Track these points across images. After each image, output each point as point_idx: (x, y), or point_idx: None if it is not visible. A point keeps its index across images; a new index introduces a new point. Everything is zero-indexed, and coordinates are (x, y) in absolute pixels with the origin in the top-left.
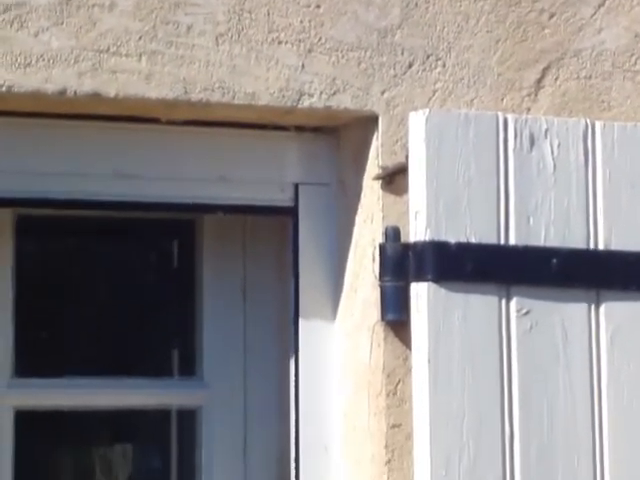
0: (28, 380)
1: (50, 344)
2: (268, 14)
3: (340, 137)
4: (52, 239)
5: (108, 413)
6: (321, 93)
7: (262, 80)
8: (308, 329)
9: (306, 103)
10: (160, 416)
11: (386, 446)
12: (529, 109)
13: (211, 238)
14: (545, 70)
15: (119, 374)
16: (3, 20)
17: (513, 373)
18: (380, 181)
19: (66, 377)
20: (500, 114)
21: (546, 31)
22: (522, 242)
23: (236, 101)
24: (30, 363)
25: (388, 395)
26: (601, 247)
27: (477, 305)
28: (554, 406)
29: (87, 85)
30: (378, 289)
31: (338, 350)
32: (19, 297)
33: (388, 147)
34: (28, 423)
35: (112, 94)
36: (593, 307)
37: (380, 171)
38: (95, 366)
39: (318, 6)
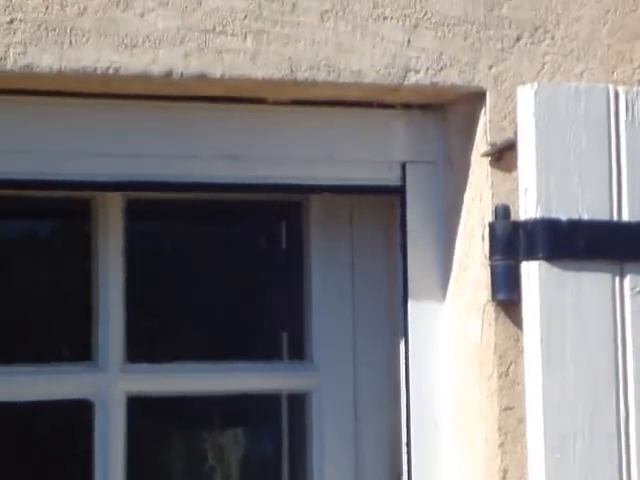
0: (140, 365)
1: (161, 329)
2: None
3: (447, 113)
4: (162, 223)
5: (219, 398)
6: (427, 69)
7: (367, 57)
8: (417, 310)
9: (412, 79)
10: (270, 400)
11: (499, 429)
12: None
13: (318, 219)
14: None
15: (229, 359)
16: (110, 1)
17: (628, 353)
18: (489, 158)
19: (177, 362)
20: (611, 87)
21: None
22: (635, 218)
23: (342, 79)
24: (142, 349)
25: (500, 377)
26: None
27: (590, 283)
28: None
29: (193, 66)
30: (488, 268)
31: (448, 331)
32: (130, 281)
33: (496, 123)
34: (140, 408)
35: (218, 75)
36: None
37: (489, 147)
38: (205, 351)
39: None
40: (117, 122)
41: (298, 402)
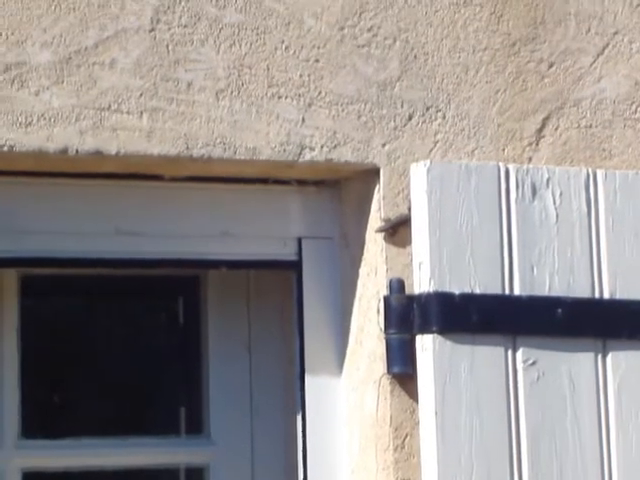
0: (35, 441)
1: (56, 405)
2: (267, 69)
3: (342, 190)
4: (56, 299)
5: (116, 473)
6: (322, 147)
7: (263, 135)
8: (314, 384)
9: (307, 157)
10: (168, 475)
11: None
12: (530, 159)
13: (215, 294)
14: (545, 120)
15: (126, 434)
16: (4, 79)
17: (521, 424)
18: (383, 233)
19: (73, 438)
20: (501, 164)
21: (545, 80)
22: (527, 292)
23: (237, 156)
24: (37, 424)
25: (396, 449)
26: (606, 296)
27: (483, 356)
28: (563, 457)
29: (88, 143)
30: (384, 342)
31: (345, 405)
32: (25, 358)
33: (390, 199)
34: None
35: (114, 152)
36: (600, 357)
37: (383, 223)
38: (102, 426)
39: (317, 60)
40: (12, 198)
41: (196, 477)
